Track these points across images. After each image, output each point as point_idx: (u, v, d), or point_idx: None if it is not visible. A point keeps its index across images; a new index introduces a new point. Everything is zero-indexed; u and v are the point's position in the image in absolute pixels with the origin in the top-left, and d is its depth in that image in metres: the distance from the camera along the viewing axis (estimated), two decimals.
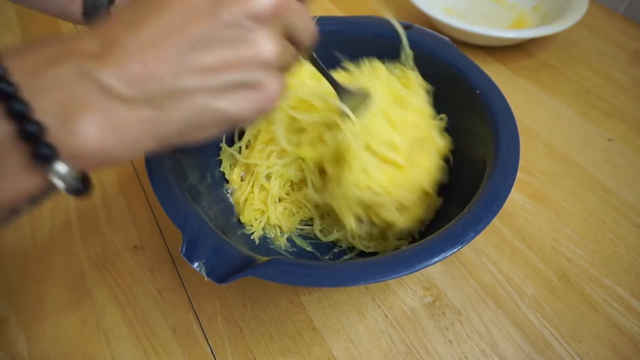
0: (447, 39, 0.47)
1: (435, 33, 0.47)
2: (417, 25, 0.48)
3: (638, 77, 0.63)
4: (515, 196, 0.50)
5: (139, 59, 0.21)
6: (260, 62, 0.23)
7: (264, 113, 0.24)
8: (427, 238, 0.33)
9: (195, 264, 0.31)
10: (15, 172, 0.20)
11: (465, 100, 0.43)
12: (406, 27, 0.48)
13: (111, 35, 0.21)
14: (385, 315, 0.41)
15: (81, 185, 0.22)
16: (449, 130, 0.47)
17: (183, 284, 0.43)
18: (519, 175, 0.51)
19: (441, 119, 0.45)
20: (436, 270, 0.44)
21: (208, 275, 0.30)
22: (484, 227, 0.32)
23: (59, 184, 0.21)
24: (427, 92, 0.45)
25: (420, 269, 0.31)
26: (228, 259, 0.32)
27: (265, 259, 0.31)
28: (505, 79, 0.64)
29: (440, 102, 0.47)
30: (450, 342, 0.39)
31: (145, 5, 0.22)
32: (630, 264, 0.44)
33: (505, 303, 0.41)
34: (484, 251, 0.45)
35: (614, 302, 0.41)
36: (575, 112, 0.59)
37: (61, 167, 0.20)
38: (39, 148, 0.20)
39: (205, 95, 0.22)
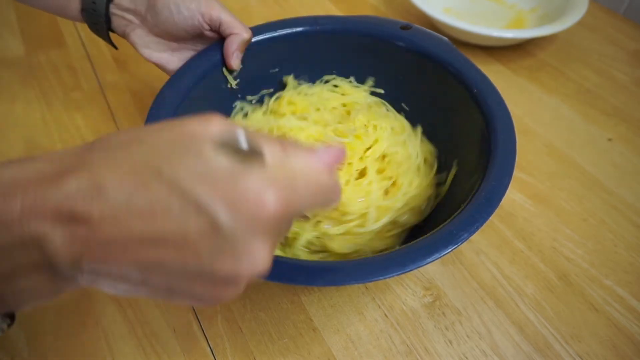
0: (446, 39, 0.47)
1: (435, 33, 0.47)
2: (417, 26, 0.48)
3: (638, 77, 0.63)
4: (515, 196, 0.50)
5: (101, 257, 0.19)
6: (216, 299, 0.21)
7: None
8: (421, 238, 0.33)
9: None
10: None
11: (463, 101, 0.43)
12: (405, 27, 0.48)
13: (88, 213, 0.19)
14: (385, 315, 0.41)
15: (7, 324, 0.21)
16: (447, 130, 0.47)
17: None
18: (519, 175, 0.51)
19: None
20: (436, 271, 0.44)
21: None
22: (477, 228, 0.32)
23: None
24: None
25: (412, 269, 0.31)
26: None
27: None
28: (505, 79, 0.64)
29: (439, 102, 0.47)
30: (450, 342, 0.39)
31: (143, 195, 0.19)
32: (630, 264, 0.44)
33: (506, 303, 0.41)
34: (484, 251, 0.45)
35: (614, 302, 0.41)
36: (575, 112, 0.59)
37: None
38: None
39: (151, 292, 0.21)
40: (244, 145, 0.20)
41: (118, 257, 0.19)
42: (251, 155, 0.20)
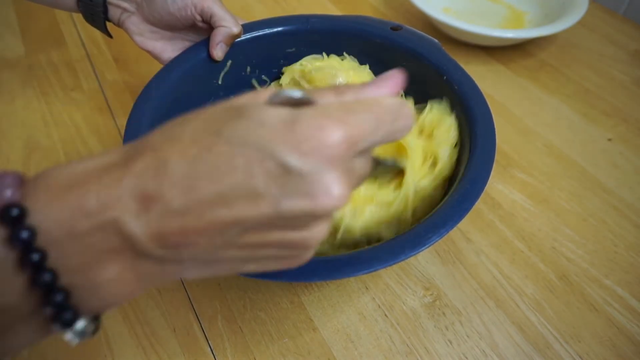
0: (436, 41, 0.47)
1: (425, 35, 0.47)
2: (407, 26, 0.48)
3: (638, 77, 0.63)
4: (515, 196, 0.50)
5: (180, 228, 0.19)
6: (305, 246, 0.22)
7: None
8: (393, 239, 0.33)
9: None
10: (28, 334, 0.20)
11: (449, 103, 0.43)
12: (396, 28, 0.48)
13: (158, 188, 0.19)
14: (385, 315, 0.41)
15: (93, 329, 0.22)
16: None
17: (183, 284, 0.43)
18: (519, 175, 0.51)
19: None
20: (436, 271, 0.44)
21: None
22: (447, 232, 0.32)
23: (73, 340, 0.21)
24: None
25: (375, 270, 0.31)
26: None
27: None
28: (505, 79, 0.64)
29: (423, 101, 0.47)
30: (450, 342, 0.39)
31: (207, 157, 0.19)
32: (630, 264, 0.44)
33: (506, 303, 0.41)
34: (484, 251, 0.45)
35: (614, 302, 0.41)
36: (575, 112, 0.59)
37: (79, 325, 0.20)
38: (61, 314, 0.19)
39: (239, 262, 0.22)
40: (295, 94, 0.21)
41: (195, 224, 0.19)
42: (303, 101, 0.21)
